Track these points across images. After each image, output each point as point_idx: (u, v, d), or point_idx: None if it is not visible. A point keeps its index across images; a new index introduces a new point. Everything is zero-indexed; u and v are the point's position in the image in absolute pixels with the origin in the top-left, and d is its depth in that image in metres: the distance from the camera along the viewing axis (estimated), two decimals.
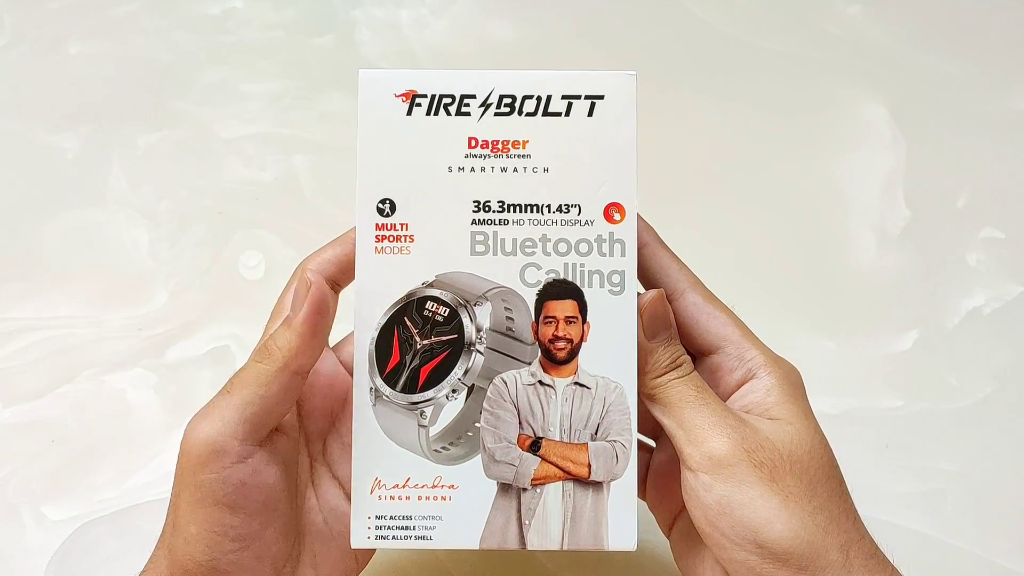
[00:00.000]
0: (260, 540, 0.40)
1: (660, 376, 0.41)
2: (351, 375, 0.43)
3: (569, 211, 0.42)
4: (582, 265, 0.42)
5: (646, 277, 0.44)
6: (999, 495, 0.58)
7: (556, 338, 0.42)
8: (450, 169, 0.42)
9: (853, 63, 0.73)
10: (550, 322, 0.42)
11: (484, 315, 0.42)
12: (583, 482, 0.42)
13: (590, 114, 0.42)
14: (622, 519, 0.42)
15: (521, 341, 0.42)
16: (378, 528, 0.42)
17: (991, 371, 0.62)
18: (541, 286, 0.42)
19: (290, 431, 0.43)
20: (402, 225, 0.42)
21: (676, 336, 0.43)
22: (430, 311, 0.42)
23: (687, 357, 0.42)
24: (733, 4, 0.75)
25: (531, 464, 0.42)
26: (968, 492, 0.57)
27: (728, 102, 0.72)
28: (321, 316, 0.41)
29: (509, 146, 0.42)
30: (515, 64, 0.73)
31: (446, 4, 0.75)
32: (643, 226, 0.44)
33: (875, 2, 0.75)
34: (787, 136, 0.70)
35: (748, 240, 0.66)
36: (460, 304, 0.42)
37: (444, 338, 0.42)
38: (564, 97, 0.42)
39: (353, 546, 0.42)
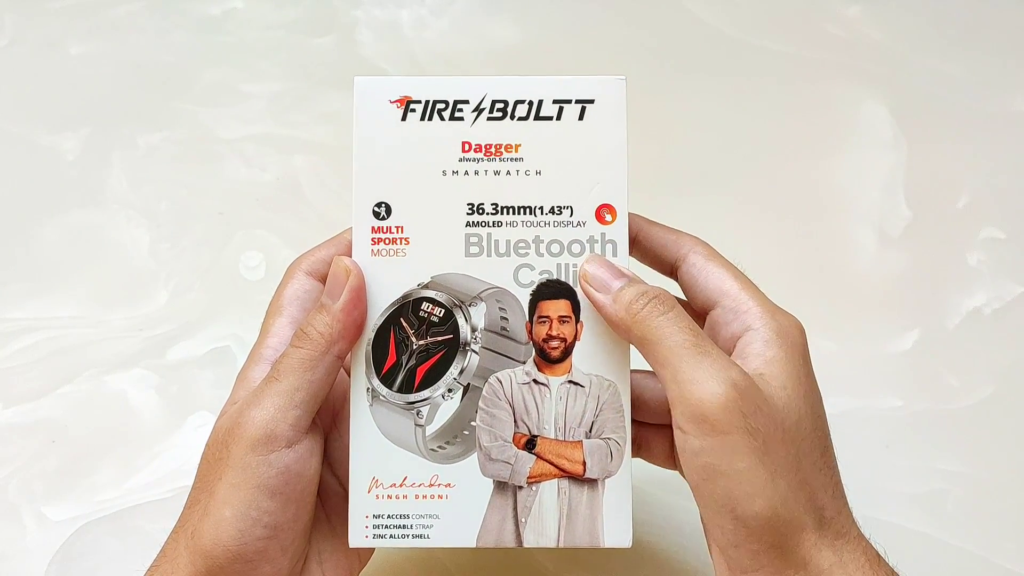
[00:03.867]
0: (288, 531, 0.40)
1: (637, 313, 0.39)
2: (348, 375, 0.43)
3: (561, 213, 0.42)
4: (575, 265, 0.42)
5: (649, 258, 0.44)
6: (999, 495, 0.57)
7: (550, 337, 0.42)
8: (444, 173, 0.42)
9: (853, 63, 0.72)
10: (544, 321, 0.42)
11: (479, 315, 0.42)
12: (578, 480, 0.42)
13: (581, 118, 0.42)
14: (617, 516, 0.42)
15: (515, 340, 0.42)
16: (376, 527, 0.42)
17: (991, 371, 0.62)
18: (535, 286, 0.42)
19: (317, 425, 0.43)
20: (397, 228, 0.42)
21: (638, 280, 0.41)
22: (426, 312, 0.42)
23: (666, 292, 0.40)
24: (733, 4, 0.75)
25: (527, 462, 0.42)
26: (968, 492, 0.57)
27: (728, 102, 0.72)
28: (360, 302, 0.42)
29: (502, 150, 0.42)
30: (515, 64, 0.73)
31: (446, 4, 0.75)
32: (630, 218, 0.43)
33: (875, 2, 0.75)
34: (787, 136, 0.70)
35: (748, 240, 0.66)
36: (455, 305, 0.42)
37: (440, 338, 0.42)
38: (555, 101, 0.42)
39: (351, 545, 0.42)
